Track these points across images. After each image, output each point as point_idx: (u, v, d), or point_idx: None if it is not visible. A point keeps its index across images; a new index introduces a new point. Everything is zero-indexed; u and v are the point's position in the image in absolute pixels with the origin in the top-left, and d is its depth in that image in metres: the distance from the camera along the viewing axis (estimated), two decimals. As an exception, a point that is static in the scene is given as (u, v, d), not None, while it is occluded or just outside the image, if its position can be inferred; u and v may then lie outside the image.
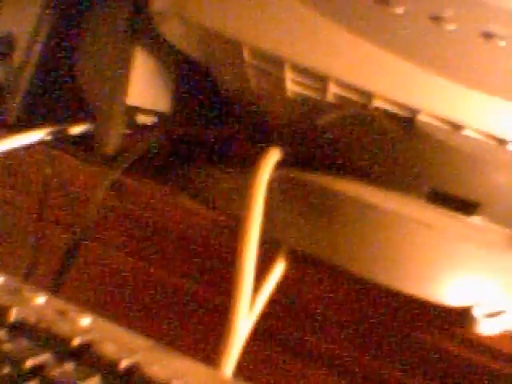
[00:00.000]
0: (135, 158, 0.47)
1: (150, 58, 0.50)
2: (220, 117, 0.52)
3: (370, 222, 0.40)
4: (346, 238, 0.40)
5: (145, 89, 0.49)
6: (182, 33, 0.44)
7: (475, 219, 0.43)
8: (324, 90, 0.40)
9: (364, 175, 0.43)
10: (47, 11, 0.52)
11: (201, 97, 0.52)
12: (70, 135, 0.49)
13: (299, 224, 0.41)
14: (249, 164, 0.44)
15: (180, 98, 0.51)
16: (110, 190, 0.46)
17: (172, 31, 0.45)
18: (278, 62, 0.40)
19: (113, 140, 0.47)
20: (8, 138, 0.48)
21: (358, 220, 0.40)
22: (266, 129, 0.48)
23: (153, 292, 0.47)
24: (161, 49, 0.50)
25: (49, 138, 0.49)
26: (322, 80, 0.39)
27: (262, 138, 0.49)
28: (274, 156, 0.43)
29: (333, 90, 0.39)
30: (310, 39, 0.38)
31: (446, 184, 0.42)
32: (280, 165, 0.43)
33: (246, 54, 0.41)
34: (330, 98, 0.40)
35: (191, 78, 0.51)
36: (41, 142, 0.49)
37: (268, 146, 0.44)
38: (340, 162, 0.44)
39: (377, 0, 0.37)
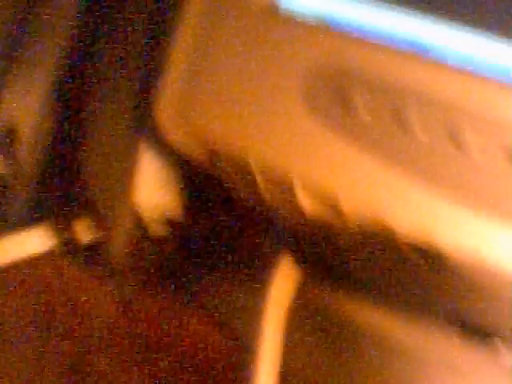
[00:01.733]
0: (145, 272, 0.44)
1: (158, 158, 0.47)
2: (234, 219, 0.50)
3: (394, 362, 0.37)
4: (366, 379, 0.37)
5: (155, 197, 0.47)
6: (187, 145, 0.42)
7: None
8: (340, 217, 0.37)
9: (386, 302, 0.40)
10: (51, 99, 0.50)
11: (213, 203, 0.49)
12: (78, 242, 0.47)
13: (316, 358, 0.38)
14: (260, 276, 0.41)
15: (192, 204, 0.48)
16: (117, 307, 0.43)
17: (177, 143, 0.43)
18: (289, 187, 0.37)
19: (122, 253, 0.45)
20: (12, 243, 0.46)
21: (383, 359, 0.37)
22: (282, 237, 0.46)
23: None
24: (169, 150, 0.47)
25: (55, 244, 0.47)
26: (337, 209, 0.36)
27: (279, 243, 0.46)
28: (290, 275, 0.40)
29: (350, 217, 0.37)
30: (326, 163, 0.35)
31: (472, 315, 0.38)
32: (298, 283, 0.40)
33: (255, 175, 0.38)
34: (348, 225, 0.38)
35: (201, 182, 0.49)
36: (46, 249, 0.46)
37: (284, 257, 0.41)
38: (361, 284, 0.41)
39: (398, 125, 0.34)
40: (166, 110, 0.39)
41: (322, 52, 0.36)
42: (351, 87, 0.35)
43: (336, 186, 0.35)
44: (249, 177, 0.39)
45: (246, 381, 0.36)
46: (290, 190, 0.37)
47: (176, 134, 0.41)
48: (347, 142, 0.35)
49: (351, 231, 0.38)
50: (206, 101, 0.37)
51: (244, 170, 0.39)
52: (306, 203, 0.38)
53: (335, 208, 0.36)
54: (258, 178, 0.38)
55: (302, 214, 0.40)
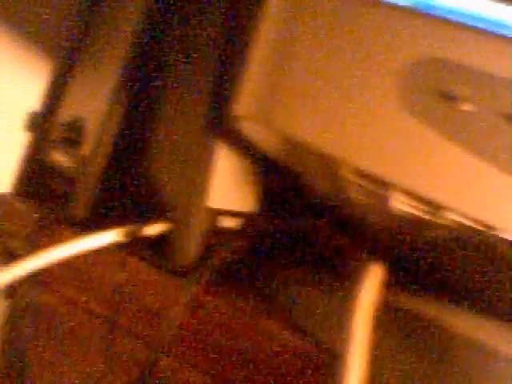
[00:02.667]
0: (216, 269, 0.42)
1: (233, 153, 0.45)
2: (309, 215, 0.47)
3: (489, 371, 0.34)
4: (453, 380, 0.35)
5: (228, 188, 0.45)
6: (266, 139, 0.40)
7: None
8: (437, 214, 0.35)
9: (472, 303, 0.37)
10: (118, 96, 0.48)
11: (288, 195, 0.47)
12: (145, 237, 0.45)
13: (405, 365, 0.36)
14: (344, 280, 0.39)
15: (266, 197, 0.46)
16: (185, 305, 0.41)
17: (255, 137, 0.41)
18: (381, 184, 0.35)
19: (191, 248, 0.43)
20: (79, 238, 0.44)
21: (476, 367, 0.35)
22: (363, 236, 0.44)
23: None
24: (244, 144, 0.45)
25: (121, 239, 0.45)
26: (435, 207, 0.34)
27: (357, 248, 0.44)
28: (377, 276, 0.38)
29: (449, 216, 0.34)
30: (425, 162, 0.33)
31: None
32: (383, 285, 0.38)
33: (343, 171, 0.36)
34: (442, 221, 0.35)
35: (277, 175, 0.47)
36: (112, 244, 0.45)
37: (368, 258, 0.39)
38: (448, 286, 0.39)
39: None
40: (249, 105, 0.37)
41: (419, 41, 0.33)
42: (452, 78, 0.33)
43: (437, 186, 0.33)
44: (332, 174, 0.37)
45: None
46: (382, 191, 0.35)
47: (257, 131, 0.39)
48: (448, 138, 0.33)
49: (444, 227, 0.36)
50: (292, 96, 0.35)
51: (331, 168, 0.37)
52: (399, 202, 0.36)
53: (434, 208, 0.34)
54: (347, 176, 0.36)
55: (390, 213, 0.37)
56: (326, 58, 0.35)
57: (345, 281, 0.40)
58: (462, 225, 0.34)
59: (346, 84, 0.34)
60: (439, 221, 0.35)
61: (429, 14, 0.34)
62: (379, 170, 0.34)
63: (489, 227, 0.33)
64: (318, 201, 0.45)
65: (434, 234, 0.38)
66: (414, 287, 0.40)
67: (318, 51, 0.35)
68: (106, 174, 0.48)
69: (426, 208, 0.35)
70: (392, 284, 0.39)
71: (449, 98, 0.33)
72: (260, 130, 0.38)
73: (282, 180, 0.47)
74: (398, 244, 0.41)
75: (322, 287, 0.41)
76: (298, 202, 0.47)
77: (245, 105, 0.37)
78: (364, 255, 0.41)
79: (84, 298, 0.47)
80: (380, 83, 0.34)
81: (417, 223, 0.37)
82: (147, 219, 0.46)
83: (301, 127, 0.35)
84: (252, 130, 0.39)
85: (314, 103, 0.35)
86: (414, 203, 0.35)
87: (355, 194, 0.39)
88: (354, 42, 0.35)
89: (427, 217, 0.36)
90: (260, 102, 0.36)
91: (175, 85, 0.47)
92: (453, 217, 0.34)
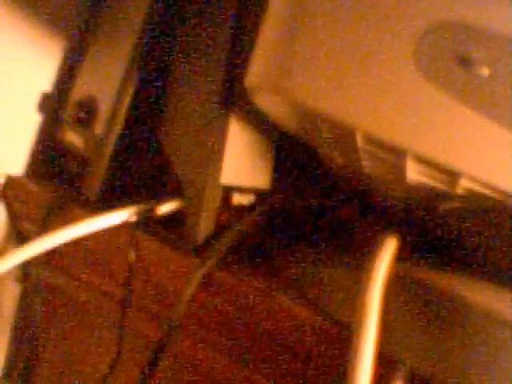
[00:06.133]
0: (229, 245, 0.42)
1: (246, 129, 0.44)
2: (324, 190, 0.47)
3: (504, 341, 0.33)
4: (478, 360, 0.34)
5: (241, 164, 0.44)
6: (281, 110, 0.39)
7: None
8: (453, 182, 0.34)
9: (487, 274, 0.37)
10: (131, 74, 0.48)
11: (302, 170, 0.46)
12: (157, 215, 0.45)
13: (419, 338, 0.35)
14: (358, 254, 0.38)
15: (280, 174, 0.45)
16: (199, 283, 0.41)
17: (270, 108, 0.40)
18: (397, 152, 0.34)
19: (204, 226, 0.42)
20: (90, 218, 0.44)
21: (490, 338, 0.34)
22: (377, 208, 0.43)
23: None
24: (257, 120, 0.45)
25: (133, 218, 0.45)
26: (451, 175, 0.33)
27: (371, 214, 0.43)
28: (391, 248, 0.37)
29: (465, 184, 0.34)
30: (442, 129, 0.32)
31: None
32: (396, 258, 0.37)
33: (358, 140, 0.35)
34: (459, 191, 0.34)
35: (291, 150, 0.46)
36: (125, 223, 0.44)
37: (379, 228, 0.38)
38: (460, 254, 0.38)
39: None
40: (262, 75, 0.37)
41: (436, 4, 0.33)
42: (468, 42, 0.32)
43: (453, 152, 0.32)
44: (348, 144, 0.37)
45: (346, 359, 0.33)
46: (398, 160, 0.35)
47: (272, 102, 0.38)
48: (464, 103, 0.32)
49: (461, 198, 0.35)
50: (306, 63, 0.34)
51: (346, 138, 0.36)
52: (414, 171, 0.35)
53: (449, 176, 0.33)
54: (362, 146, 0.36)
55: (405, 184, 0.37)
56: (340, 24, 0.34)
57: (359, 254, 0.39)
58: (477, 195, 0.34)
59: (360, 50, 0.34)
60: (454, 191, 0.35)
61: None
62: (395, 136, 0.33)
63: (505, 195, 0.33)
64: (332, 175, 0.44)
65: (448, 206, 0.37)
66: (429, 259, 0.39)
67: (332, 17, 0.34)
68: (118, 152, 0.48)
69: (441, 177, 0.34)
70: (406, 256, 0.38)
71: (465, 62, 0.32)
72: (274, 100, 0.38)
73: (295, 155, 0.46)
74: (412, 216, 0.40)
75: (335, 261, 0.40)
76: (311, 177, 0.47)
77: (258, 75, 0.37)
78: (378, 228, 0.40)
79: (96, 279, 0.46)
80: (396, 48, 0.33)
81: (432, 194, 0.37)
82: (160, 197, 0.45)
83: (315, 95, 0.35)
84: (266, 102, 0.39)
85: (328, 70, 0.34)
86: (430, 172, 0.34)
87: (370, 166, 0.38)
88: (369, 6, 0.34)
89: (442, 187, 0.35)
90: (273, 72, 0.36)
91: (188, 60, 0.47)
92: (468, 185, 0.33)
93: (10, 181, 0.50)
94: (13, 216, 0.50)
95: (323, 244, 0.44)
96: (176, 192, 0.45)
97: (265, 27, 0.37)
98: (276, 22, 0.37)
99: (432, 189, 0.36)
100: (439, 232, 0.40)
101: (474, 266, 0.39)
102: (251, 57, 0.38)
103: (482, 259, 0.39)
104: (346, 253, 0.42)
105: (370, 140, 0.35)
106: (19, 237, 0.50)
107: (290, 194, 0.45)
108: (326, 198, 0.45)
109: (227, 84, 0.43)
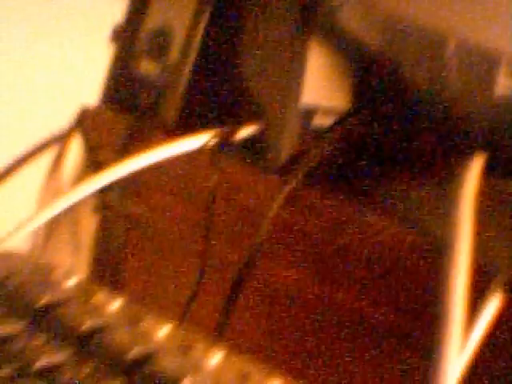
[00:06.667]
0: (312, 166, 0.41)
1: (326, 49, 0.43)
2: (406, 115, 0.45)
3: None
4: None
5: (320, 85, 0.43)
6: (363, 22, 0.38)
7: None
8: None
9: None
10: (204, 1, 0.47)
11: (383, 93, 0.45)
12: (237, 139, 0.44)
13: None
14: (445, 172, 0.38)
15: (360, 95, 0.44)
16: (284, 203, 0.40)
17: (351, 22, 0.39)
18: (492, 58, 0.33)
19: (286, 146, 0.42)
20: (168, 143, 0.44)
21: None
22: (463, 130, 0.42)
23: (329, 318, 0.42)
24: (337, 39, 0.43)
25: (213, 142, 0.44)
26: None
27: (457, 139, 0.42)
28: (479, 164, 0.36)
29: None
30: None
31: None
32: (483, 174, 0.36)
33: (450, 49, 0.34)
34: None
35: (372, 71, 0.45)
36: (204, 147, 0.44)
37: (466, 151, 0.37)
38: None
39: None
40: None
41: None
42: None
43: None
44: (437, 56, 0.36)
45: (439, 278, 0.33)
46: (489, 62, 0.34)
47: (351, 11, 0.37)
48: None
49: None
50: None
51: (434, 49, 0.35)
52: (506, 78, 0.34)
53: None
54: (450, 57, 0.35)
55: (493, 96, 0.36)
56: None
57: (447, 172, 0.38)
58: None
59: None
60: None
61: None
62: (489, 39, 0.32)
63: None
64: (414, 98, 0.43)
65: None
66: None
67: None
68: (195, 78, 0.47)
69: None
70: (493, 171, 0.37)
71: None
72: (357, 13, 0.37)
73: (376, 77, 0.45)
74: (499, 132, 0.39)
75: (422, 181, 0.40)
76: (392, 100, 0.45)
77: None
78: (464, 147, 0.39)
79: (177, 205, 0.46)
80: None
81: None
82: (239, 121, 0.45)
83: (402, 7, 0.34)
84: (350, 16, 0.38)
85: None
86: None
87: (456, 80, 0.37)
88: None
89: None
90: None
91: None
92: None
93: (86, 111, 0.50)
94: (89, 146, 0.51)
95: (409, 161, 0.43)
96: (255, 116, 0.45)
97: None
98: None
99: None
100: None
101: None
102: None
103: None
104: (433, 170, 0.41)
105: (462, 46, 0.34)
106: (96, 167, 0.50)
107: (372, 115, 0.44)
108: (407, 123, 0.44)
109: (307, 4, 0.42)
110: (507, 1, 0.32)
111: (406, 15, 0.34)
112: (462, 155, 0.38)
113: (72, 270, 0.43)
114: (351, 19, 0.39)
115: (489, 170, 0.37)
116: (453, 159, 0.39)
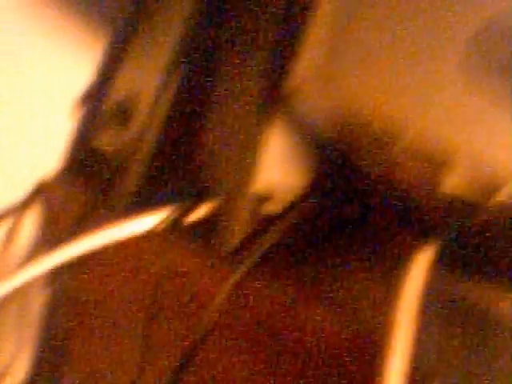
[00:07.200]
0: (261, 254, 0.41)
1: (283, 133, 0.44)
2: (358, 203, 0.45)
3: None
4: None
5: (275, 173, 0.43)
6: (320, 110, 0.39)
7: None
8: (494, 192, 0.33)
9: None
10: (171, 74, 0.48)
11: (337, 180, 0.45)
12: (189, 220, 0.44)
13: (455, 357, 0.34)
14: (392, 264, 0.37)
15: (314, 180, 0.44)
16: (231, 290, 0.40)
17: (308, 109, 0.40)
18: (437, 161, 0.33)
19: (237, 233, 0.42)
20: (121, 223, 0.43)
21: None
22: (413, 221, 0.42)
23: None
24: (294, 124, 0.44)
25: (164, 223, 0.44)
26: (494, 184, 0.32)
27: (407, 230, 0.42)
28: (427, 257, 0.36)
29: (505, 196, 0.32)
30: (485, 136, 0.31)
31: None
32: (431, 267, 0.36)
33: (397, 147, 0.34)
34: (498, 201, 0.33)
35: (327, 158, 0.45)
36: (155, 229, 0.44)
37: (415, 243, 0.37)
38: (495, 269, 0.36)
39: None
40: (306, 77, 0.36)
41: (483, 13, 0.32)
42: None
43: (499, 164, 0.31)
44: (392, 151, 0.36)
45: (375, 374, 0.32)
46: (437, 165, 0.34)
47: (312, 105, 0.38)
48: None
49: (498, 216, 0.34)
50: (350, 66, 0.34)
51: (385, 144, 0.35)
52: (454, 180, 0.34)
53: (492, 187, 0.32)
54: (402, 154, 0.35)
55: (443, 194, 0.36)
56: (385, 27, 0.34)
57: (392, 264, 0.38)
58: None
59: (404, 53, 0.33)
60: (495, 202, 0.33)
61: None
62: (438, 144, 0.32)
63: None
64: (367, 184, 0.43)
65: (486, 217, 0.36)
66: (462, 271, 0.38)
67: (378, 21, 0.34)
68: (154, 154, 0.47)
69: (482, 186, 0.33)
70: (440, 268, 0.37)
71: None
72: (315, 103, 0.37)
73: (331, 163, 0.45)
74: (447, 227, 0.39)
75: (368, 271, 0.39)
76: (346, 185, 0.45)
77: (301, 77, 0.36)
78: (412, 238, 0.39)
79: (124, 287, 0.46)
80: (441, 53, 0.32)
81: (470, 205, 0.35)
82: (191, 203, 0.45)
83: (359, 98, 0.34)
84: (307, 104, 0.38)
85: (372, 73, 0.34)
86: (470, 181, 0.33)
87: (407, 174, 0.37)
88: (412, 11, 0.33)
89: (482, 198, 0.34)
90: (317, 74, 0.35)
91: (229, 62, 0.46)
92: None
93: (44, 183, 0.50)
94: (46, 219, 0.50)
95: (356, 251, 0.43)
96: (210, 196, 0.45)
97: (311, 29, 0.37)
98: (323, 23, 0.36)
99: (470, 200, 0.35)
100: (476, 242, 0.38)
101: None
102: (295, 58, 0.37)
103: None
104: (380, 262, 0.40)
105: (411, 147, 0.34)
106: (52, 240, 0.50)
107: (325, 200, 0.44)
108: (360, 205, 0.44)
109: (269, 87, 0.43)
110: (461, 99, 0.32)
111: (361, 106, 0.35)
112: (411, 247, 0.38)
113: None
114: (308, 106, 0.39)
115: (437, 264, 0.37)
116: (401, 251, 0.39)
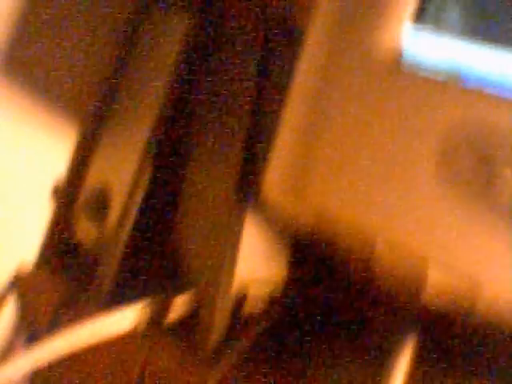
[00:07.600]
0: (241, 354, 0.40)
1: (261, 226, 0.43)
2: (337, 297, 0.45)
3: None
4: None
5: (254, 271, 0.43)
6: (297, 215, 0.38)
7: None
8: (473, 293, 0.32)
9: None
10: (145, 164, 0.47)
11: (315, 275, 0.45)
12: (168, 317, 0.43)
13: None
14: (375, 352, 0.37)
15: (293, 274, 0.44)
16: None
17: (285, 211, 0.39)
18: (416, 263, 0.33)
19: (216, 332, 0.41)
20: (98, 318, 0.43)
21: None
22: (394, 315, 0.41)
23: None
24: (271, 218, 0.43)
25: (143, 320, 0.43)
26: (474, 286, 0.32)
27: (388, 323, 0.41)
28: (409, 348, 0.36)
29: (484, 299, 0.32)
30: (464, 236, 0.31)
31: None
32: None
33: (375, 250, 0.34)
34: (479, 303, 0.33)
35: (305, 252, 0.45)
36: (134, 326, 0.43)
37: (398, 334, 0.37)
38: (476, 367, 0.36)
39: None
40: (278, 182, 0.36)
41: (454, 112, 0.31)
42: (491, 150, 0.30)
43: (479, 270, 0.31)
44: (368, 252, 0.35)
45: None
46: (416, 266, 0.33)
47: (287, 207, 0.37)
48: (489, 210, 0.30)
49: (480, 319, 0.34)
50: (324, 172, 0.34)
51: (365, 246, 0.35)
52: (437, 282, 0.34)
53: (472, 289, 0.32)
54: (379, 256, 0.34)
55: (425, 292, 0.35)
56: (359, 129, 0.33)
57: (376, 354, 0.38)
58: (496, 311, 0.32)
59: (379, 157, 0.33)
60: (475, 303, 0.33)
61: (463, 82, 0.32)
62: (416, 246, 0.32)
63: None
64: (345, 283, 0.43)
65: (468, 319, 0.36)
66: (445, 365, 0.38)
67: (351, 123, 0.34)
68: (132, 244, 0.46)
69: (462, 289, 0.33)
70: (422, 360, 0.36)
71: (488, 164, 0.31)
72: (290, 205, 0.37)
73: (311, 253, 0.45)
74: (430, 322, 0.38)
75: (352, 361, 0.39)
76: (328, 273, 0.45)
77: (274, 178, 0.36)
78: (396, 330, 0.38)
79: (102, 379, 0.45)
80: (415, 155, 0.32)
81: (451, 306, 0.35)
82: (170, 294, 0.44)
83: (333, 202, 0.34)
84: (281, 204, 0.38)
85: (346, 177, 0.33)
86: (450, 281, 0.33)
87: (386, 274, 0.37)
88: (386, 114, 0.33)
89: (463, 302, 0.33)
90: (290, 176, 0.35)
91: (204, 151, 0.46)
92: (488, 300, 0.32)
93: (21, 273, 0.49)
94: (22, 310, 0.49)
95: (342, 340, 0.42)
96: (189, 289, 0.44)
97: (283, 129, 0.36)
98: (293, 126, 0.36)
99: (452, 301, 0.34)
100: (459, 340, 0.38)
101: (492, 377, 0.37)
102: (268, 158, 0.37)
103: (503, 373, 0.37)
104: (363, 350, 0.40)
105: (389, 250, 0.34)
106: (28, 334, 0.49)
107: (306, 289, 0.44)
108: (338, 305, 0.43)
109: (244, 178, 0.42)
110: (435, 206, 0.32)
111: (335, 211, 0.34)
112: (394, 339, 0.37)
113: None
114: (284, 202, 0.38)
115: (419, 355, 0.37)
116: (383, 341, 0.38)
